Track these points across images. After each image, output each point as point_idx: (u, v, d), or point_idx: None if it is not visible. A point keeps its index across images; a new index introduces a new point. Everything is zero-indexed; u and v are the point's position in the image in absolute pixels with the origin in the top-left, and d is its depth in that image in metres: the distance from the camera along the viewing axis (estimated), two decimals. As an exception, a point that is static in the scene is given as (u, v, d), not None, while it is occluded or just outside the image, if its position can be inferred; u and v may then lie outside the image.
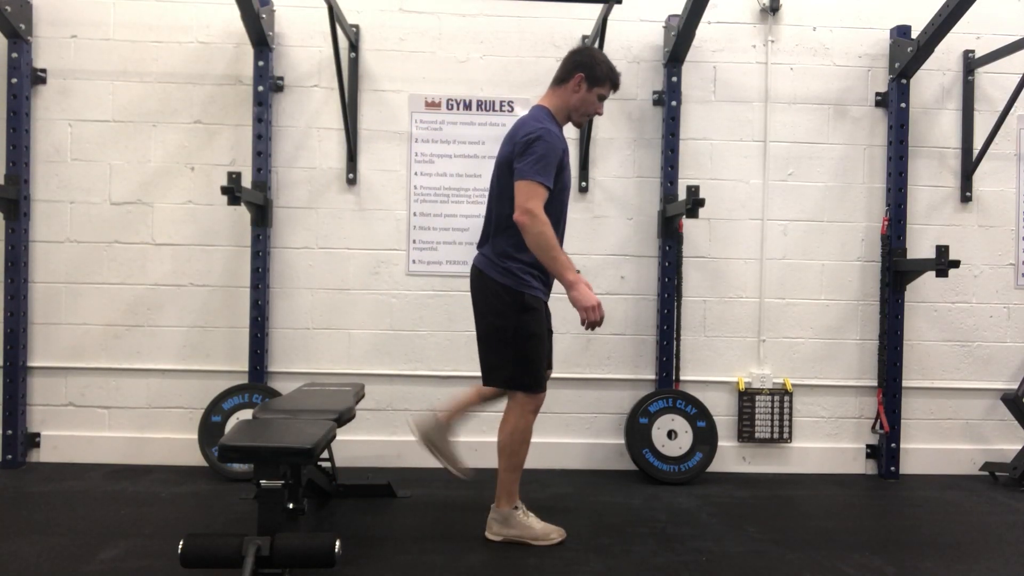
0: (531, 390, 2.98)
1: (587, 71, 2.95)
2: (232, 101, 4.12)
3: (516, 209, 2.81)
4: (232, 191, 3.43)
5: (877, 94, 4.27)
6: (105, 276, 4.11)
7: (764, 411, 4.22)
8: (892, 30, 4.22)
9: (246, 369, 4.05)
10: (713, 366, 4.26)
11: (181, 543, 2.26)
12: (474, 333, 3.08)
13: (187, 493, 3.62)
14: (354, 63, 4.15)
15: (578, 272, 2.87)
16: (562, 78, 3.00)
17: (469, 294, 3.07)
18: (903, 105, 4.18)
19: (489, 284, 2.95)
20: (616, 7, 3.69)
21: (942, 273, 3.77)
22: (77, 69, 4.09)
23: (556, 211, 2.96)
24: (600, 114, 3.09)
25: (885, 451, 4.18)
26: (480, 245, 3.08)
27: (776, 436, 4.22)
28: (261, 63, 4.02)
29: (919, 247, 4.25)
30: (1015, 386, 4.20)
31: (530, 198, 2.80)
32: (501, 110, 4.21)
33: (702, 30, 4.00)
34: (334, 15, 3.66)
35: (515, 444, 2.98)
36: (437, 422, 3.20)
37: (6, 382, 3.99)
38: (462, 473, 3.22)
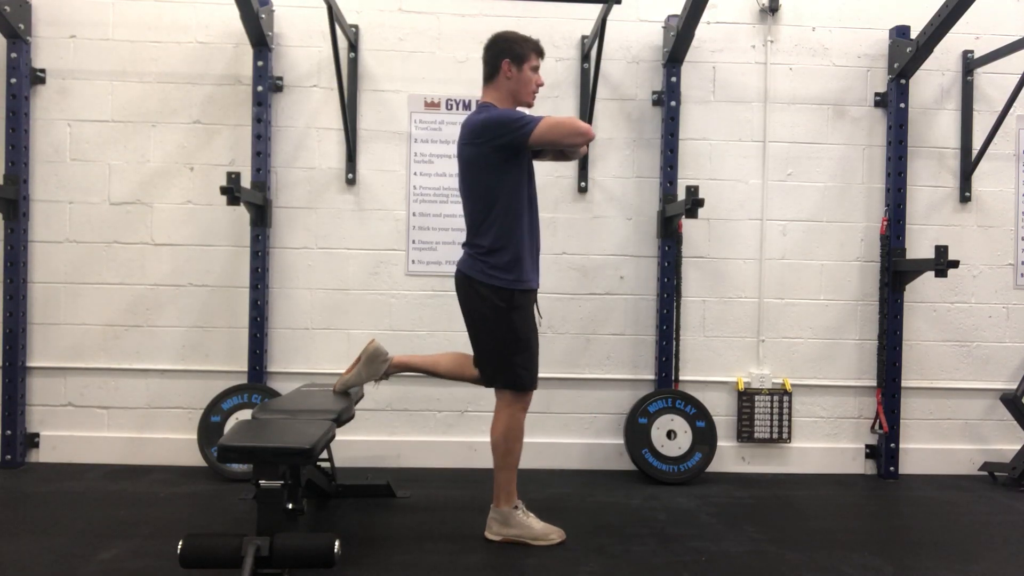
0: (528, 388, 3.01)
1: (510, 54, 3.00)
2: (231, 101, 4.12)
3: (570, 139, 2.91)
4: (231, 191, 3.43)
5: (876, 94, 4.27)
6: (104, 276, 4.11)
7: (763, 411, 4.22)
8: (891, 30, 4.22)
9: (245, 369, 4.05)
10: (712, 366, 4.27)
11: (180, 543, 2.27)
12: (473, 334, 3.08)
13: (186, 493, 3.62)
14: (353, 63, 4.15)
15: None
16: (491, 72, 3.05)
17: None
18: (902, 105, 4.18)
19: (475, 287, 2.96)
20: (616, 7, 3.69)
21: (941, 273, 3.78)
22: (76, 69, 4.09)
23: (527, 194, 3.00)
24: (541, 84, 3.10)
25: (884, 451, 4.18)
26: (464, 245, 3.08)
27: (775, 436, 4.22)
28: (260, 63, 4.02)
29: (918, 247, 4.25)
30: (1014, 386, 4.20)
31: (552, 126, 2.86)
32: (500, 110, 4.20)
33: (701, 30, 4.00)
34: (333, 15, 3.66)
35: (509, 442, 2.99)
36: (384, 358, 3.20)
37: (5, 382, 3.98)
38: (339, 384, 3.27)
